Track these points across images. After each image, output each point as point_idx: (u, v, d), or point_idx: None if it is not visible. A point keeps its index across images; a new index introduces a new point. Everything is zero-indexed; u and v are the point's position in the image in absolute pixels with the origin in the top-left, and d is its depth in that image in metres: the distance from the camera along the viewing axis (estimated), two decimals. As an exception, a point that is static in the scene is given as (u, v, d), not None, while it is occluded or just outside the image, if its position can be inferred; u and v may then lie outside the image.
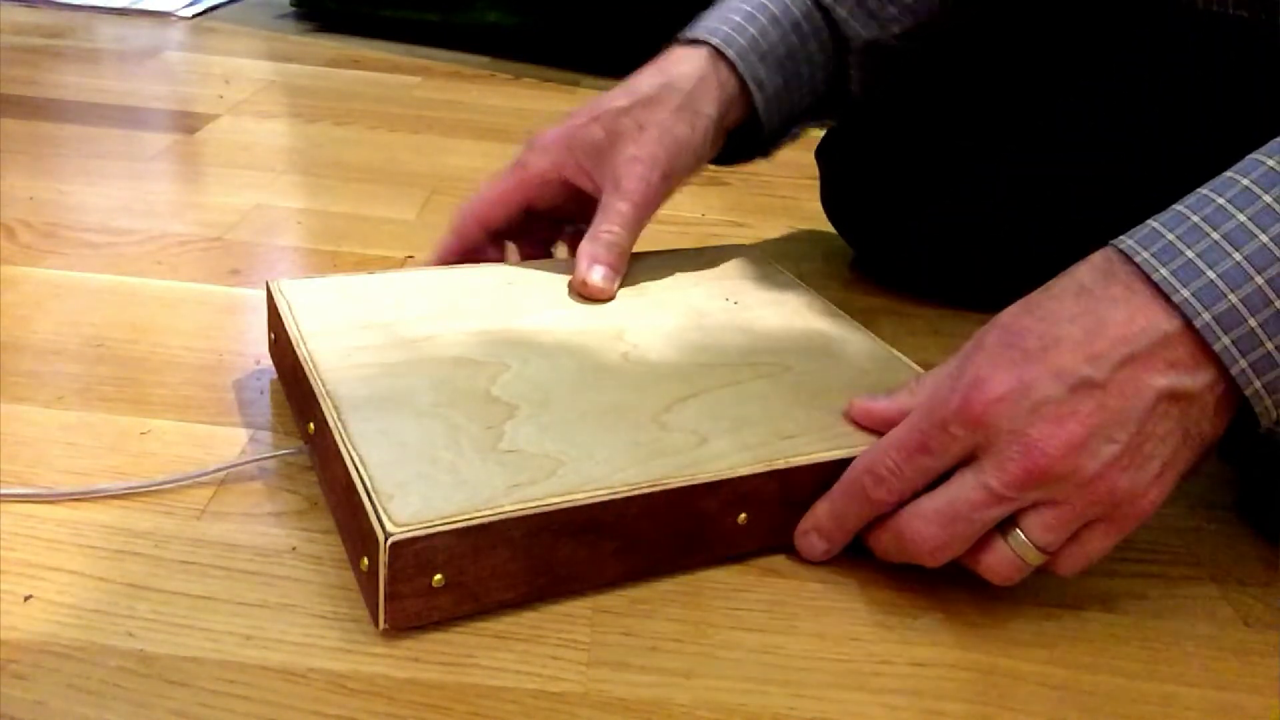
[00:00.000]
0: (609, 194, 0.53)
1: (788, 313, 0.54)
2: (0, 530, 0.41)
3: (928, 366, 0.51)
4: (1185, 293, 0.36)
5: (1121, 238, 0.39)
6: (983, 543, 0.40)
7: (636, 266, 0.56)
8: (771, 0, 0.56)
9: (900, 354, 0.51)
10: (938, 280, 0.69)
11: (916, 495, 0.40)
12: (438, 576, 0.37)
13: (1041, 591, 0.44)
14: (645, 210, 0.53)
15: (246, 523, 0.43)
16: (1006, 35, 0.67)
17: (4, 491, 0.43)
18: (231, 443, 0.48)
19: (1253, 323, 0.36)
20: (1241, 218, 0.36)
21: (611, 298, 0.52)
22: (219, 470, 0.46)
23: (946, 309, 0.68)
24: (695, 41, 0.55)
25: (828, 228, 0.76)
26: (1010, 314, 0.40)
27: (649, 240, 0.56)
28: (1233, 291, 0.36)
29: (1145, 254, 0.37)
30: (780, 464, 0.42)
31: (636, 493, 0.39)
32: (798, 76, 0.58)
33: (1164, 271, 0.37)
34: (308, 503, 0.44)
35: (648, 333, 0.50)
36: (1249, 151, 0.39)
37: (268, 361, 0.54)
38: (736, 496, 0.41)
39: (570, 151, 0.53)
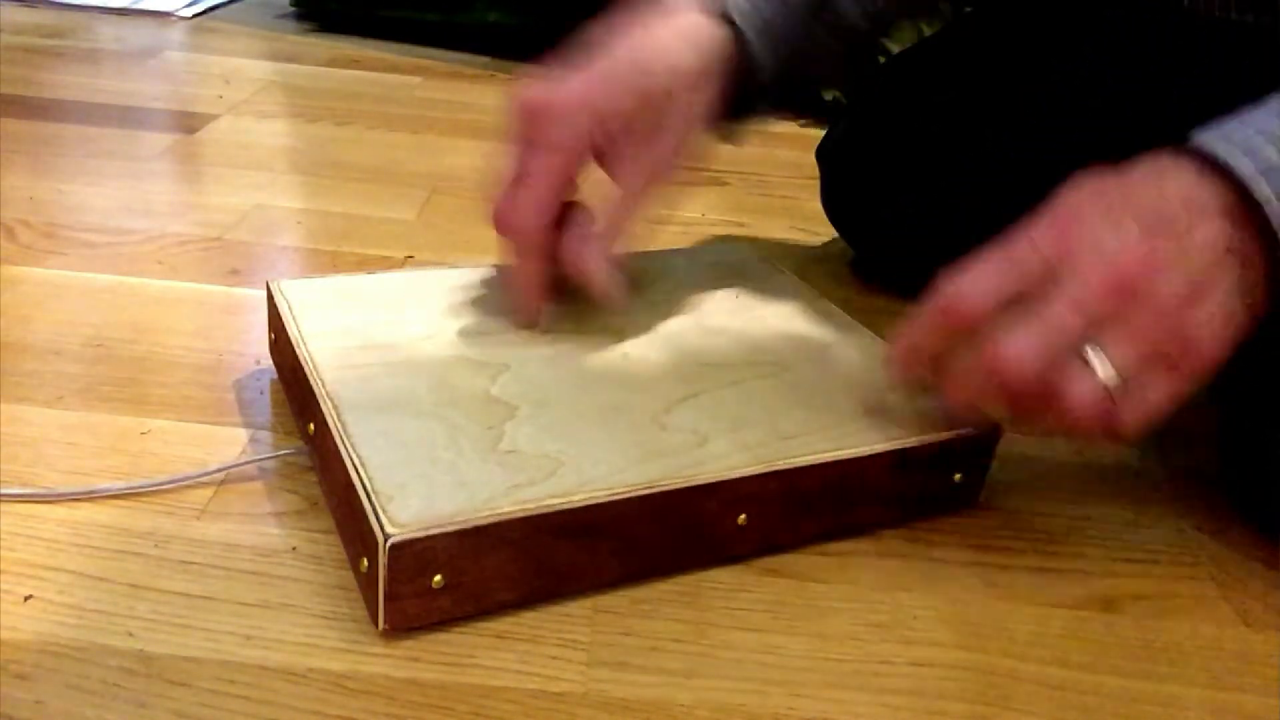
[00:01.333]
0: (622, 183, 0.49)
1: (788, 313, 0.54)
2: (0, 530, 0.41)
3: (928, 366, 0.51)
4: (1240, 161, 0.38)
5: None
6: (1065, 373, 0.39)
7: (637, 267, 0.56)
8: None
9: (900, 354, 0.51)
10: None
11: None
12: (437, 577, 0.37)
13: (1042, 591, 0.44)
14: (644, 204, 0.50)
15: (246, 523, 0.43)
16: (1011, 41, 0.68)
17: (4, 491, 0.43)
18: (231, 443, 0.48)
19: None
20: None
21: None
22: (219, 470, 0.46)
23: (946, 309, 0.68)
24: (718, 16, 0.51)
25: (828, 228, 0.76)
26: (1087, 178, 0.42)
27: (649, 240, 0.56)
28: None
29: (1204, 136, 0.40)
30: (780, 464, 0.42)
31: (636, 493, 0.39)
32: (796, 54, 0.56)
33: (1221, 146, 0.39)
34: (308, 503, 0.45)
35: (648, 333, 0.50)
36: None
37: (268, 361, 0.54)
38: (736, 497, 0.41)
39: (605, 132, 0.48)
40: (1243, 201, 0.39)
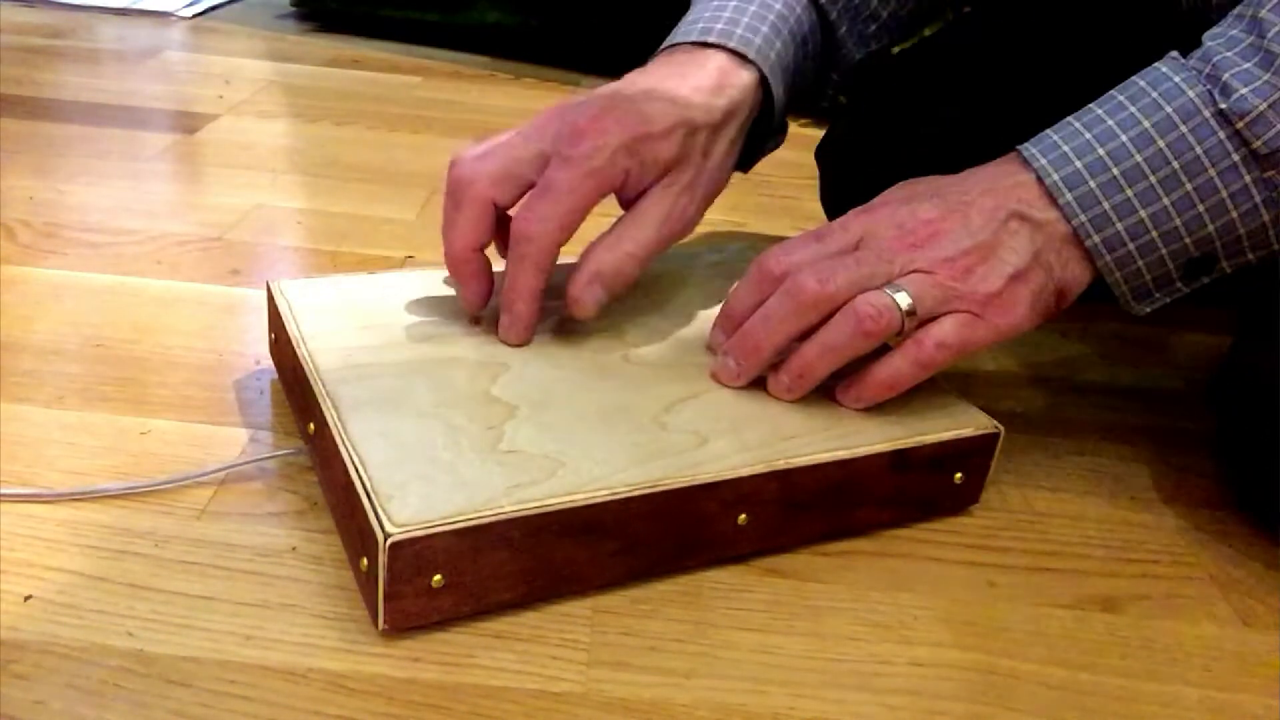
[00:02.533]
0: (645, 213, 0.48)
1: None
2: (0, 530, 0.41)
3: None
4: (1041, 160, 0.44)
5: None
6: (859, 292, 0.44)
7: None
8: (790, 12, 0.55)
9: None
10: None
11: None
12: (437, 577, 0.37)
13: (1042, 591, 0.44)
14: (668, 245, 0.49)
15: (246, 523, 0.43)
16: (1011, 41, 0.68)
17: (4, 491, 0.43)
18: (231, 443, 0.48)
19: (1091, 184, 0.43)
20: (1100, 112, 0.45)
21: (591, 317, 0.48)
22: (219, 470, 0.46)
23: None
24: (743, 58, 0.52)
25: (828, 228, 0.76)
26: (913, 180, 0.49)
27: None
28: (1078, 159, 0.44)
29: (1026, 145, 0.46)
30: (780, 464, 0.42)
31: (636, 493, 0.39)
32: (795, 90, 0.58)
33: (1031, 148, 0.45)
34: (308, 503, 0.45)
35: (648, 333, 0.50)
36: None
37: (268, 361, 0.54)
38: (736, 497, 0.41)
39: (638, 161, 0.47)
40: (1040, 182, 0.44)
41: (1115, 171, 0.43)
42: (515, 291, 0.46)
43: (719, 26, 0.53)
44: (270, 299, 0.50)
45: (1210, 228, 0.43)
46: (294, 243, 0.71)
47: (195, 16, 1.33)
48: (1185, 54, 0.44)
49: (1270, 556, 0.48)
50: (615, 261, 0.47)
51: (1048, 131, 0.46)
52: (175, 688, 0.35)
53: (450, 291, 0.52)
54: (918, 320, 0.43)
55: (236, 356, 0.55)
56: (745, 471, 0.41)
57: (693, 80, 0.51)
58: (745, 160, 0.58)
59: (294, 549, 0.42)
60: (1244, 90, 0.41)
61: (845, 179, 0.73)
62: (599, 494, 0.39)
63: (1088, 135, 0.44)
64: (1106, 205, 0.43)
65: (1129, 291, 0.45)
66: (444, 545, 0.36)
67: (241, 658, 0.37)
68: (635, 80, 0.50)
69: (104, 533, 0.42)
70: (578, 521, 0.39)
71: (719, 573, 0.43)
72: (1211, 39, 0.44)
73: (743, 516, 0.42)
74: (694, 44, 0.53)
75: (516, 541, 0.38)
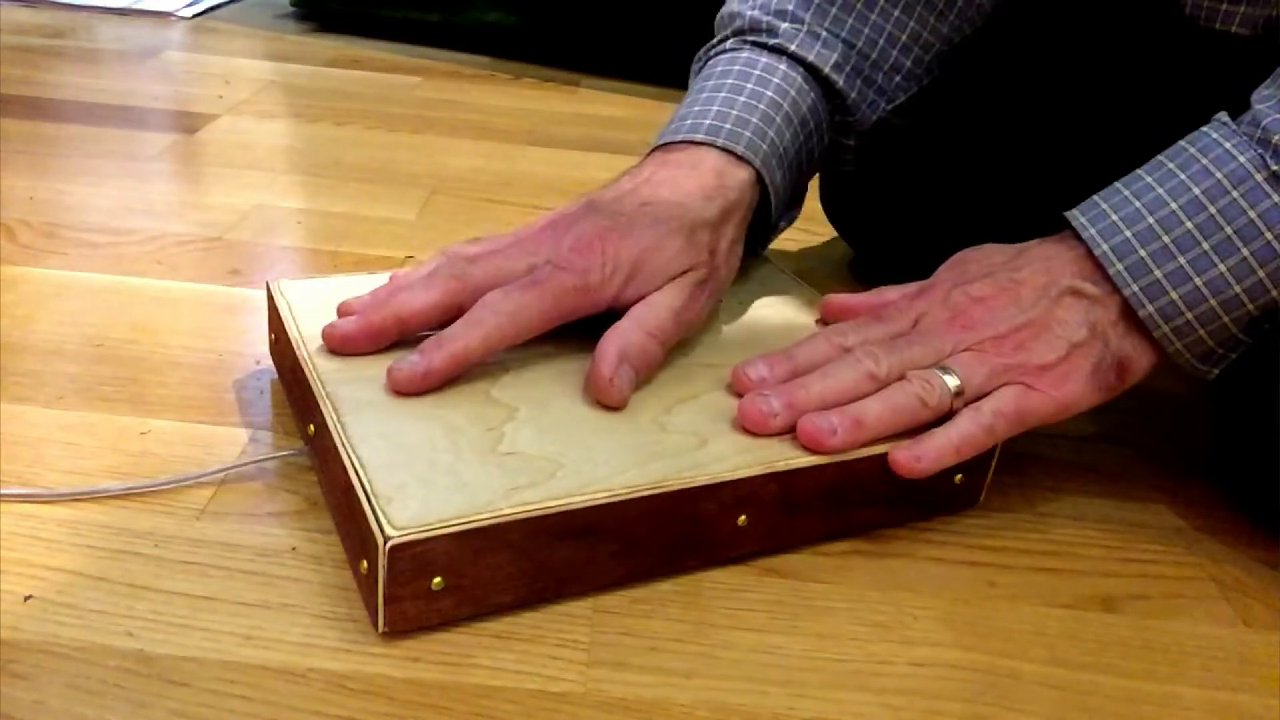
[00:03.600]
0: (658, 303, 0.47)
1: (788, 313, 0.54)
2: (0, 530, 0.41)
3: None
4: (1091, 230, 0.45)
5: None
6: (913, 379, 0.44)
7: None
8: (783, 96, 0.54)
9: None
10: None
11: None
12: (437, 579, 0.37)
13: (1042, 591, 0.44)
14: (684, 336, 0.49)
15: (246, 523, 0.43)
16: (1011, 44, 0.67)
17: (4, 491, 0.43)
18: (231, 443, 0.48)
19: (1143, 253, 0.44)
20: (1149, 179, 0.45)
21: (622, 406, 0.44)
22: (219, 470, 0.46)
23: (946, 309, 0.68)
24: (737, 156, 0.52)
25: (828, 228, 0.76)
26: (968, 250, 0.50)
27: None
28: (1128, 228, 0.44)
29: (1074, 212, 0.46)
30: (780, 465, 0.42)
31: (636, 495, 0.39)
32: (801, 170, 0.58)
33: (1080, 217, 0.46)
34: (308, 503, 0.45)
35: (648, 333, 0.50)
36: None
37: (268, 361, 0.54)
38: (736, 498, 0.41)
39: (644, 277, 0.47)
40: (1091, 254, 0.45)
41: (1166, 239, 0.43)
42: (450, 347, 0.43)
43: (708, 123, 0.53)
44: (270, 299, 0.50)
45: (1272, 292, 0.43)
46: (294, 243, 0.71)
47: (195, 16, 1.33)
48: (1210, 90, 0.45)
49: (1270, 556, 0.48)
50: (640, 342, 0.45)
51: (1095, 199, 0.46)
52: (175, 688, 0.35)
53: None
54: (965, 399, 0.44)
55: (236, 356, 0.55)
56: (745, 473, 0.41)
57: (686, 185, 0.50)
58: (759, 243, 0.59)
59: (294, 549, 0.42)
60: None
61: (845, 179, 0.73)
62: (599, 496, 0.39)
63: (1137, 203, 0.44)
64: (1159, 274, 0.43)
65: (1192, 359, 0.45)
66: (444, 548, 0.36)
67: (241, 658, 0.37)
68: (632, 189, 0.50)
69: (104, 533, 0.42)
70: (577, 524, 0.39)
71: (719, 573, 0.43)
72: (1260, 101, 0.44)
73: (742, 518, 0.42)
74: (684, 142, 0.52)
75: (516, 544, 0.38)
